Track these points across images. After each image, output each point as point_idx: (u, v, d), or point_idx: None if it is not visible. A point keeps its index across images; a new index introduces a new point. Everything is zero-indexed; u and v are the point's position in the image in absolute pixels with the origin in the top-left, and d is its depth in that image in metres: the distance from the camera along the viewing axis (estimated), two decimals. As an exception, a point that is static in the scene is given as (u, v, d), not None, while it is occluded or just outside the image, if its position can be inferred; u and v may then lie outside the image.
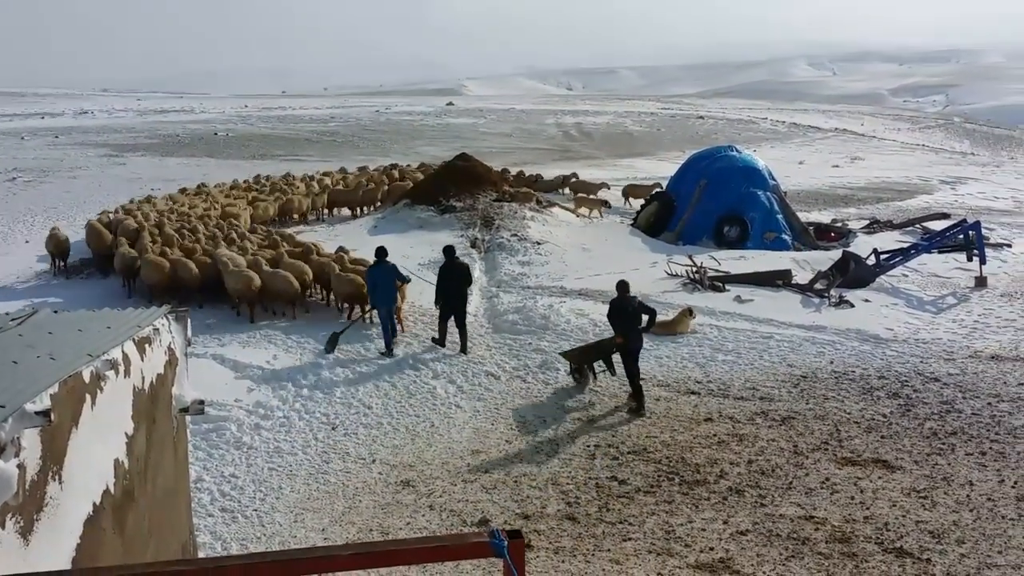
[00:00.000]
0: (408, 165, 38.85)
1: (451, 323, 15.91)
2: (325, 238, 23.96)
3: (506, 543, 3.23)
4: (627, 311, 13.62)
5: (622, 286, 13.96)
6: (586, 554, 9.22)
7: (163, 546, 6.49)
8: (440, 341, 15.77)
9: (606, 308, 17.07)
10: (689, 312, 17.03)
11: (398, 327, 16.18)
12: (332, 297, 18.09)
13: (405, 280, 16.38)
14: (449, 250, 16.43)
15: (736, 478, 10.97)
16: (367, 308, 16.64)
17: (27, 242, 25.95)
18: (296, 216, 28.80)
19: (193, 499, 9.14)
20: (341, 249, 19.99)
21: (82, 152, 51.81)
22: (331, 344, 15.65)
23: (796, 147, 62.17)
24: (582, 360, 14.55)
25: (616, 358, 14.05)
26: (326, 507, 10.38)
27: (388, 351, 15.50)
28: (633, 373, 13.48)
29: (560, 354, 15.14)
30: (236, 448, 11.86)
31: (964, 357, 15.56)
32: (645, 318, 13.70)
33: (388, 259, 15.95)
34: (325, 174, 35.75)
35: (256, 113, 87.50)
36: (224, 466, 11.35)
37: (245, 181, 33.72)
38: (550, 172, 38.49)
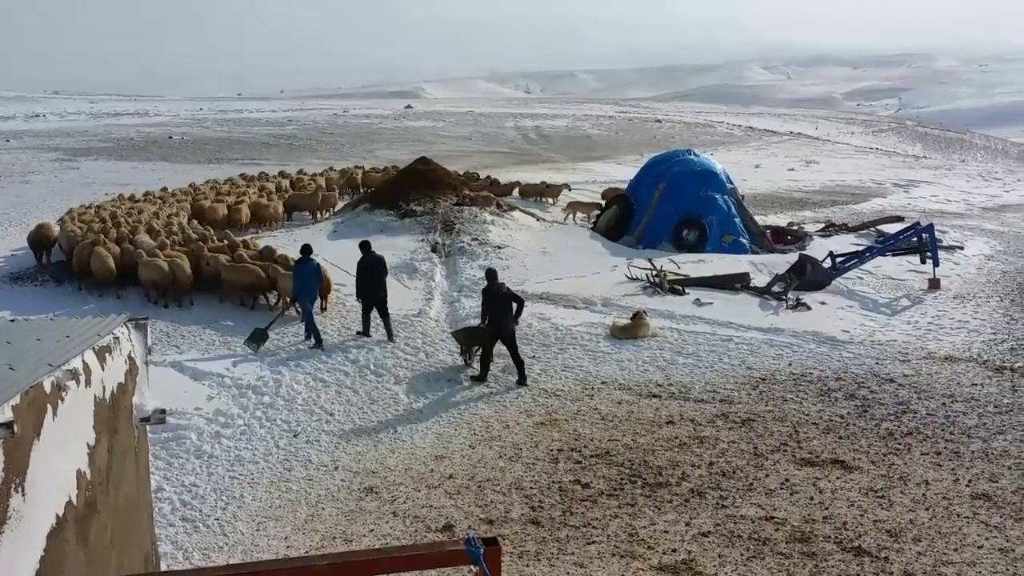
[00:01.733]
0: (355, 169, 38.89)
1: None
2: (284, 243, 23.79)
3: (482, 550, 3.26)
4: (496, 298, 14.63)
5: (491, 273, 15.21)
6: (550, 558, 9.26)
7: (126, 557, 6.42)
8: (365, 332, 16.63)
9: (568, 312, 17.25)
10: (643, 314, 17.12)
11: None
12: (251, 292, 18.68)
13: (323, 277, 17.24)
14: (365, 245, 17.12)
15: (697, 480, 11.07)
16: (289, 301, 17.45)
17: (-21, 248, 25.46)
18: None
19: (154, 509, 9.04)
20: (268, 248, 20.36)
21: (34, 156, 50.96)
22: (256, 341, 15.96)
23: (752, 151, 62.82)
24: (467, 342, 15.42)
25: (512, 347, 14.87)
26: (289, 515, 10.32)
27: (318, 342, 16.16)
28: (515, 352, 14.66)
29: (451, 333, 16.21)
30: (196, 457, 11.75)
31: (919, 358, 15.83)
32: (515, 306, 14.71)
33: (312, 257, 16.72)
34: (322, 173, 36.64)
35: (212, 116, 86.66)
36: (184, 475, 11.25)
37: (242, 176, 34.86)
38: (511, 176, 38.54)
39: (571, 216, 30.05)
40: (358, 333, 16.72)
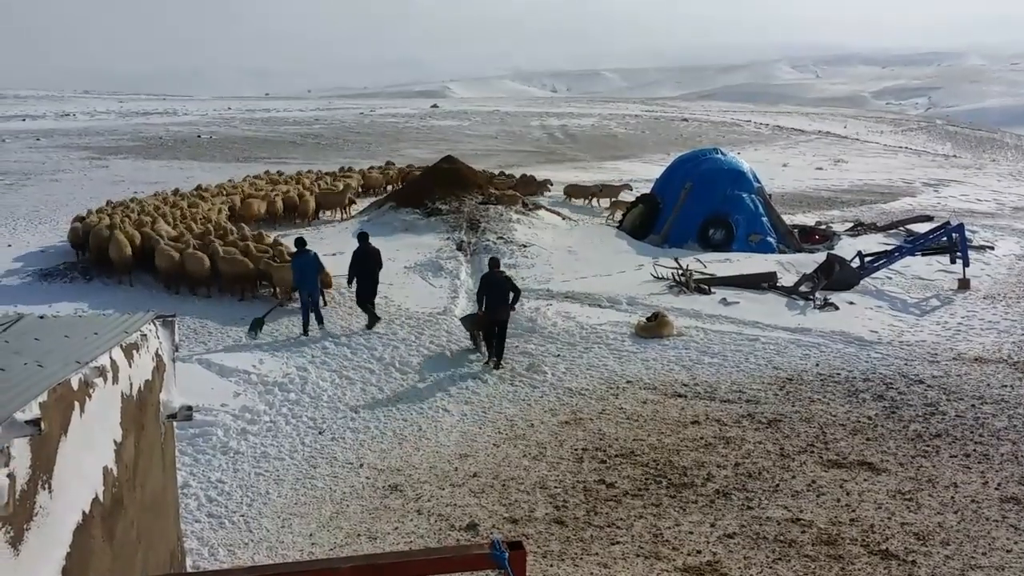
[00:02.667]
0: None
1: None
2: (309, 240, 23.88)
3: (507, 554, 3.25)
4: (493, 285, 15.32)
5: (492, 262, 15.95)
6: (574, 558, 9.23)
7: (152, 554, 6.46)
8: (371, 323, 17.05)
9: (593, 311, 17.24)
10: (663, 314, 17.05)
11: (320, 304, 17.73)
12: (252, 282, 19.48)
13: (323, 267, 17.63)
14: (363, 236, 17.83)
15: (723, 481, 11.00)
16: (285, 292, 18.23)
17: (9, 246, 25.73)
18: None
19: (180, 505, 9.09)
20: (277, 242, 21.04)
21: (64, 154, 51.50)
22: (253, 328, 16.64)
23: (780, 149, 62.41)
24: (472, 328, 16.20)
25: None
26: (313, 512, 10.35)
27: (304, 331, 16.76)
28: (501, 338, 15.31)
29: (460, 319, 17.13)
30: (223, 453, 11.81)
31: (948, 359, 15.66)
32: (512, 294, 15.47)
33: (308, 248, 17.25)
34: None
35: (240, 115, 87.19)
36: (211, 471, 11.31)
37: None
38: (538, 175, 38.47)
39: (612, 215, 29.97)
40: (367, 326, 17.08)
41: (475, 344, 16.07)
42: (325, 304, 18.10)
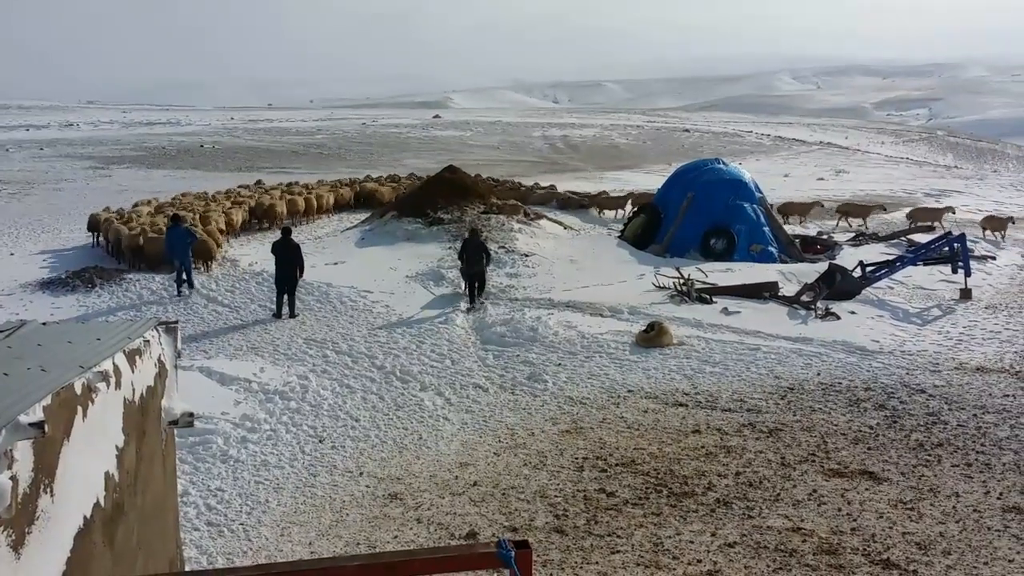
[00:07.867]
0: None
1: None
2: (311, 250, 23.93)
3: (513, 553, 3.26)
4: (470, 247, 19.58)
5: (473, 232, 20.52)
6: (574, 567, 9.21)
7: (151, 560, 6.45)
8: (277, 314, 18.64)
9: (595, 320, 17.34)
10: (660, 324, 17.05)
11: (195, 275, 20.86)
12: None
13: (196, 238, 21.05)
14: (285, 230, 19.80)
15: (724, 490, 10.98)
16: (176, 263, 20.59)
17: (12, 254, 25.80)
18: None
19: (180, 513, 9.08)
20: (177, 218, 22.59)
21: (67, 164, 51.66)
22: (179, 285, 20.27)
23: (781, 160, 62.56)
24: (464, 278, 19.93)
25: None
26: (313, 521, 10.33)
27: (178, 292, 20.02)
28: (481, 287, 19.75)
29: (459, 271, 20.55)
30: (222, 461, 11.79)
31: (950, 369, 15.64)
32: (485, 256, 19.59)
33: (182, 224, 21.02)
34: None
35: (242, 126, 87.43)
36: (210, 479, 11.29)
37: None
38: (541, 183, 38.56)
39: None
40: (273, 315, 18.61)
41: (467, 293, 19.70)
42: (207, 268, 21.74)
